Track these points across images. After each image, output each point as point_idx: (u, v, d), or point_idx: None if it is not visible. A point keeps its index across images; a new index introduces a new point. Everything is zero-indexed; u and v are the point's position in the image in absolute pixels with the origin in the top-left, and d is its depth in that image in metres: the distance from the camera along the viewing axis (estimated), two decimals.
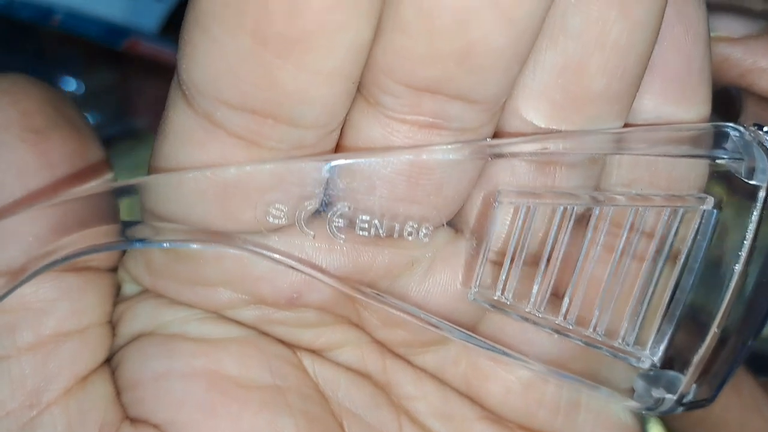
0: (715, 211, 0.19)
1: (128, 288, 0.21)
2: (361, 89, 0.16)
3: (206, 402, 0.18)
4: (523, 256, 0.18)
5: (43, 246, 0.17)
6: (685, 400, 0.21)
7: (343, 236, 0.17)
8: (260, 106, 0.15)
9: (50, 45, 0.46)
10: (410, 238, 0.18)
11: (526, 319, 0.19)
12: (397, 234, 0.18)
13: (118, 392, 0.19)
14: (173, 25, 0.45)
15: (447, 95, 0.16)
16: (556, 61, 0.16)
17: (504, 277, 0.19)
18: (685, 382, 0.20)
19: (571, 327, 0.19)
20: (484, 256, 0.18)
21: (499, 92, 0.16)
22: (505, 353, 0.20)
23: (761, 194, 0.18)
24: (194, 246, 0.18)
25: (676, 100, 0.18)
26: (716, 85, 0.19)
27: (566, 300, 0.19)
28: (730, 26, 0.24)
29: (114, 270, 0.21)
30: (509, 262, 0.18)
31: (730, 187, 0.19)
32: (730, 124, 0.19)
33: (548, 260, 0.19)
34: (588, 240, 0.18)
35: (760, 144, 0.18)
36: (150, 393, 0.18)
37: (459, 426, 0.21)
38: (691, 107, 0.18)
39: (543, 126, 0.17)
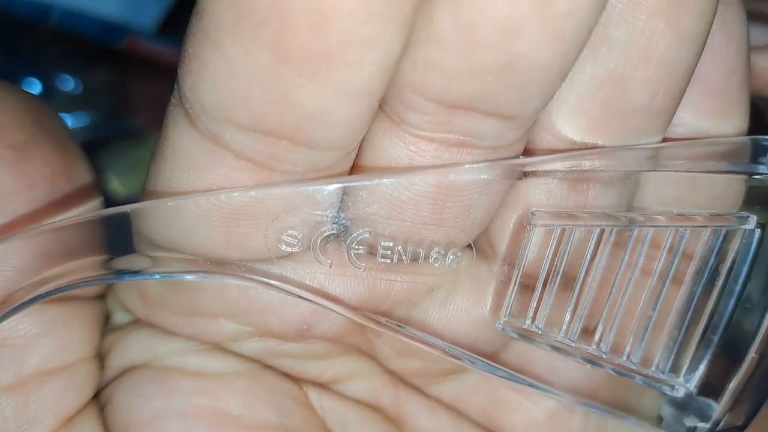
0: (757, 230, 0.17)
1: (119, 317, 0.19)
2: (383, 106, 0.14)
3: None
4: (557, 283, 0.17)
5: (25, 279, 0.15)
6: (717, 429, 0.20)
7: (363, 265, 0.16)
8: (275, 128, 0.13)
9: (48, 43, 0.46)
10: (437, 265, 0.16)
11: (557, 349, 0.18)
12: (422, 260, 0.16)
13: (104, 426, 0.17)
14: (172, 23, 0.45)
15: (482, 112, 0.14)
16: (596, 73, 0.15)
17: (535, 305, 0.17)
18: (719, 409, 0.19)
19: (604, 356, 0.18)
20: (515, 283, 0.17)
21: (538, 108, 0.14)
22: (529, 384, 0.18)
23: None
24: (191, 278, 0.16)
25: (715, 114, 0.17)
26: None
27: (600, 327, 0.18)
28: (752, 35, 0.22)
29: (102, 297, 0.19)
30: (541, 288, 0.17)
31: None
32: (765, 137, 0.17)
33: (582, 285, 0.17)
34: (624, 263, 0.17)
35: None
36: None
37: None
38: (729, 121, 0.17)
39: (578, 141, 0.16)
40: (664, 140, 0.17)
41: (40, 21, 0.43)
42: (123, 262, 0.16)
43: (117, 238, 0.16)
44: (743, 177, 0.17)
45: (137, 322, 0.19)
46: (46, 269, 0.15)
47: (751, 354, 0.18)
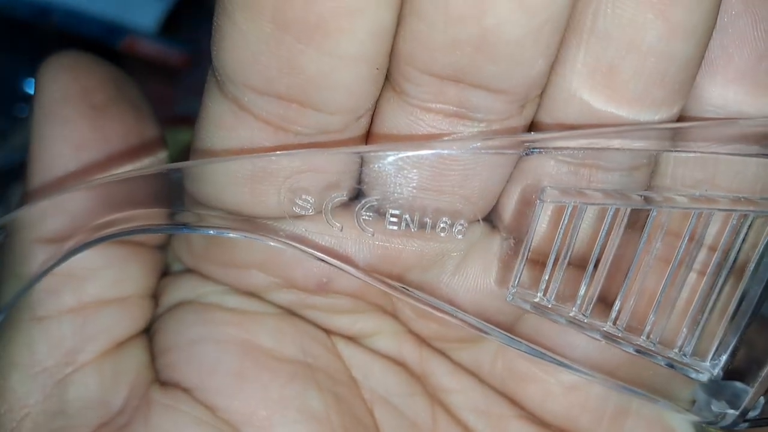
0: None
1: (175, 267, 0.21)
2: (388, 77, 0.16)
3: (237, 369, 0.18)
4: (567, 258, 0.17)
5: (92, 221, 0.17)
6: (750, 416, 0.19)
7: (372, 230, 0.17)
8: (285, 91, 0.15)
9: (48, 43, 0.46)
10: (443, 234, 0.17)
11: (571, 323, 0.18)
12: (429, 229, 0.17)
13: (152, 358, 0.19)
14: (172, 23, 0.45)
15: (470, 84, 0.15)
16: (587, 61, 0.15)
17: (546, 279, 0.17)
18: (750, 396, 0.19)
19: (620, 333, 0.18)
20: (523, 256, 0.17)
21: (522, 84, 0.15)
22: (542, 356, 0.18)
23: None
24: (231, 235, 0.17)
25: (744, 96, 0.16)
26: None
27: (617, 305, 0.17)
28: None
29: (160, 247, 0.21)
30: (552, 263, 0.17)
31: None
32: None
33: (597, 263, 0.17)
34: (643, 243, 0.17)
35: None
36: (182, 358, 0.19)
37: (495, 423, 0.20)
38: (758, 104, 0.16)
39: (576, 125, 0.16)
40: (693, 119, 0.17)
41: (40, 21, 0.43)
42: (177, 217, 0.18)
43: (169, 193, 0.18)
44: None
45: (188, 271, 0.20)
46: (111, 214, 0.17)
47: None
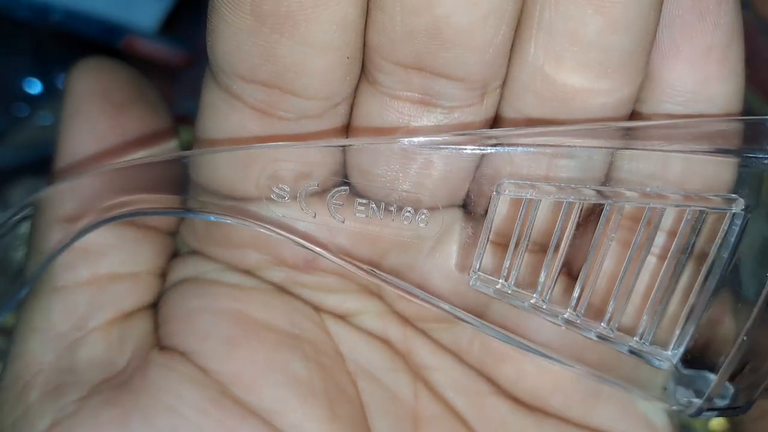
0: (744, 214, 0.17)
1: (183, 251, 0.23)
2: (363, 68, 0.17)
3: (229, 336, 0.20)
4: (525, 246, 0.18)
5: (105, 202, 0.20)
6: (718, 405, 0.20)
7: (342, 217, 0.18)
8: (267, 78, 0.17)
9: (48, 43, 0.46)
10: (406, 222, 0.18)
11: (533, 309, 0.19)
12: (394, 218, 0.18)
13: (156, 328, 0.21)
14: (171, 23, 0.45)
15: (431, 72, 0.16)
16: (537, 54, 0.16)
17: (507, 266, 0.18)
18: (714, 385, 0.19)
19: (579, 320, 0.19)
20: (482, 245, 0.18)
21: (477, 71, 0.16)
22: (510, 341, 0.19)
23: None
24: (230, 221, 0.19)
25: (695, 80, 0.17)
26: None
27: (576, 291, 0.18)
28: None
29: (170, 233, 0.23)
30: (512, 251, 0.18)
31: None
32: None
33: (555, 251, 0.18)
34: (599, 234, 0.18)
35: None
36: (181, 326, 0.20)
37: (473, 399, 0.21)
38: (711, 87, 0.17)
39: (536, 117, 0.17)
40: (645, 118, 0.18)
41: (39, 21, 0.44)
42: (182, 202, 0.20)
43: (174, 180, 0.20)
44: (735, 159, 0.17)
45: (193, 252, 0.23)
46: (122, 197, 0.20)
47: (742, 335, 0.18)
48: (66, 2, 0.44)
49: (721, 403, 0.20)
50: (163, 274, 0.22)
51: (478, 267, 0.18)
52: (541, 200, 0.17)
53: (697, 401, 0.20)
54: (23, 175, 0.20)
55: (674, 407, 0.20)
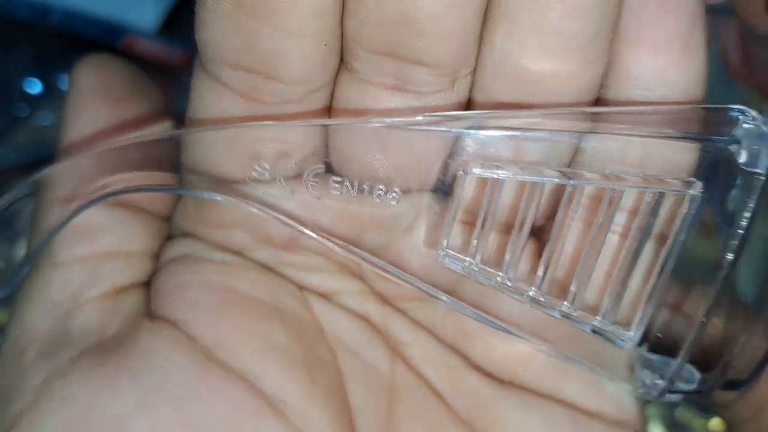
0: (701, 195, 0.18)
1: (176, 234, 0.24)
2: (342, 56, 0.18)
3: (216, 306, 0.21)
4: (491, 225, 0.19)
5: (101, 181, 0.21)
6: (683, 388, 0.20)
7: (318, 194, 0.19)
8: (250, 64, 0.18)
9: (48, 43, 0.47)
10: (378, 200, 0.19)
11: (499, 287, 0.20)
12: (366, 195, 0.19)
13: (148, 301, 0.22)
14: (171, 23, 0.46)
15: (403, 58, 0.17)
16: (504, 42, 0.17)
17: (474, 244, 0.19)
18: (675, 367, 0.20)
19: (543, 299, 0.19)
20: (449, 222, 0.19)
21: (446, 58, 0.17)
22: (481, 319, 0.20)
23: (759, 183, 0.17)
24: (218, 198, 0.20)
25: (659, 68, 0.18)
26: None
27: (540, 271, 0.19)
28: None
29: (164, 218, 0.24)
30: (479, 229, 0.19)
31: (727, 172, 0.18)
32: (735, 107, 0.18)
33: (520, 230, 0.19)
34: (562, 214, 0.18)
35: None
36: (171, 298, 0.22)
37: (447, 373, 0.22)
38: (674, 74, 0.18)
39: (505, 102, 0.18)
40: (609, 103, 0.18)
41: (39, 21, 0.44)
42: (171, 181, 0.21)
43: (165, 158, 0.21)
44: (695, 145, 0.18)
45: (185, 234, 0.24)
46: (115, 175, 0.21)
47: (700, 319, 0.19)
48: (66, 2, 0.44)
49: (686, 387, 0.21)
50: (157, 256, 0.24)
51: (446, 245, 0.19)
52: (505, 180, 0.18)
53: (661, 383, 0.20)
54: (23, 175, 0.21)
55: (640, 390, 0.21)
